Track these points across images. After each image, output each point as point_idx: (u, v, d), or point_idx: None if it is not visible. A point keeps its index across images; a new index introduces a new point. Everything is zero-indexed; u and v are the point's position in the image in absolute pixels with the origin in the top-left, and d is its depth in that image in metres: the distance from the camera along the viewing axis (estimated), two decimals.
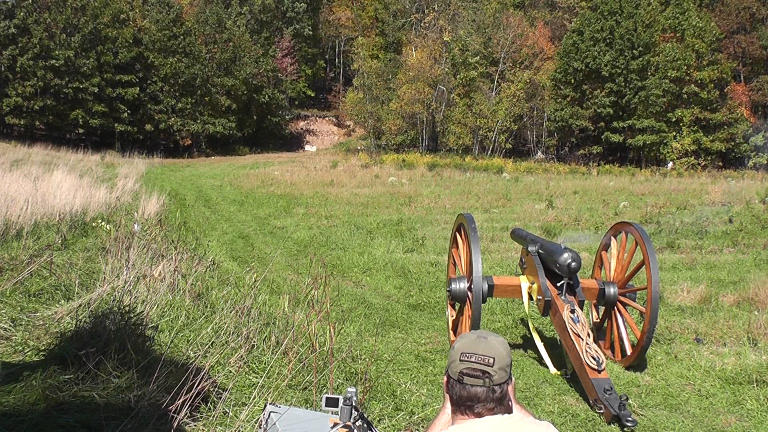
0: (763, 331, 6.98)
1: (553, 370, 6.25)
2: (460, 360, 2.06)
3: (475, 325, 6.09)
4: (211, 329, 5.09)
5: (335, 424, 2.67)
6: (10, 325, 5.09)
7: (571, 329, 5.81)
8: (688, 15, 44.77)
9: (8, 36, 39.13)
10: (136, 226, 9.23)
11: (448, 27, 49.63)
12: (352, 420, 2.65)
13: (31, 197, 9.50)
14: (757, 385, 5.71)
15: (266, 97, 48.98)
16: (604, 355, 5.90)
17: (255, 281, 6.49)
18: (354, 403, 2.67)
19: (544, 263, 6.61)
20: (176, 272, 6.50)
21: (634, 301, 6.57)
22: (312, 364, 4.37)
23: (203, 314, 5.69)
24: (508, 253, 12.39)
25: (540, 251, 6.71)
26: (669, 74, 43.37)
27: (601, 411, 5.16)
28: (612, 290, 6.58)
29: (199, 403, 3.62)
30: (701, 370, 6.18)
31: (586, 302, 6.49)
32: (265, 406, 3.11)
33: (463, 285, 6.55)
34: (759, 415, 5.25)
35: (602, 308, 7.13)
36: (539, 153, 48.47)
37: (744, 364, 6.10)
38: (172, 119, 45.19)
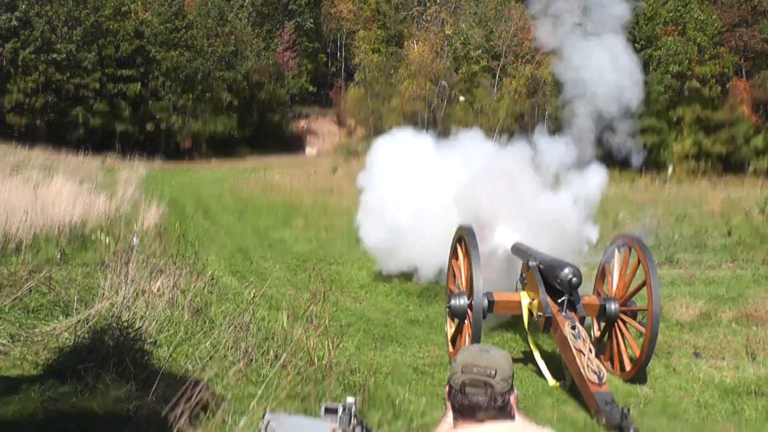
0: (762, 345, 6.97)
1: (552, 382, 6.21)
2: (462, 371, 2.06)
3: (475, 342, 6.05)
4: (210, 344, 5.08)
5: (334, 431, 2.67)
6: (8, 341, 5.07)
7: (572, 345, 5.76)
8: (690, 8, 44.48)
9: (10, 29, 39.09)
10: (135, 239, 9.21)
11: (450, 20, 49.53)
12: (351, 427, 2.65)
13: (31, 207, 9.49)
14: (755, 396, 5.70)
15: (267, 93, 48.76)
16: (604, 368, 5.89)
17: (254, 297, 6.49)
18: (354, 411, 2.67)
19: (544, 278, 6.51)
20: (175, 288, 6.49)
21: (635, 318, 6.56)
22: (311, 377, 4.37)
23: (202, 329, 5.68)
24: None
25: (540, 266, 6.62)
26: (671, 69, 42.79)
27: (603, 422, 5.13)
28: (613, 307, 6.52)
29: (198, 412, 3.60)
30: (700, 382, 6.18)
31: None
32: (264, 413, 3.10)
33: (464, 301, 6.50)
34: (758, 423, 5.24)
35: (602, 323, 7.11)
36: None
37: (742, 377, 6.10)
38: (173, 117, 44.87)
